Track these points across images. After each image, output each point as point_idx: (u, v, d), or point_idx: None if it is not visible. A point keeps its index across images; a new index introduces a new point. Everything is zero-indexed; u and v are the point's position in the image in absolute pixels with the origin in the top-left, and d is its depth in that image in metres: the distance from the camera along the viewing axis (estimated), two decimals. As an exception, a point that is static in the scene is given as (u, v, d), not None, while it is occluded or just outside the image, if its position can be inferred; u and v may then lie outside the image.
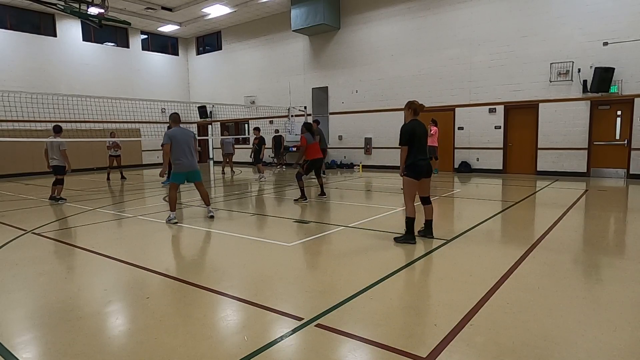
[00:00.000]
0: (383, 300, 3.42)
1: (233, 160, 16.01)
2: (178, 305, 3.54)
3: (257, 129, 13.95)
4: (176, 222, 6.75)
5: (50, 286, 4.00)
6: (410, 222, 5.23)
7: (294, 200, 8.70)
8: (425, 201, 5.48)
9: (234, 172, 15.77)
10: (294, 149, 18.14)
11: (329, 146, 13.80)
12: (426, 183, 5.38)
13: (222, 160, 16.19)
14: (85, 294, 3.81)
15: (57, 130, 9.17)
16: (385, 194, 9.94)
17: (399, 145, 5.24)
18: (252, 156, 13.88)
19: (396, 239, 5.33)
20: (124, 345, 2.80)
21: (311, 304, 3.37)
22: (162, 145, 6.78)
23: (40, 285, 4.05)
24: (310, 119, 17.08)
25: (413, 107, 5.26)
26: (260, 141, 13.75)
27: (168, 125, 7.77)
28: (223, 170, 15.72)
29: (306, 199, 8.65)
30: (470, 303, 3.27)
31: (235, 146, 21.83)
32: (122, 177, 14.43)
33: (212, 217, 7.06)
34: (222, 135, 17.77)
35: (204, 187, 7.17)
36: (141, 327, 3.05)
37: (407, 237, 5.25)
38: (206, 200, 7.15)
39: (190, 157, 6.83)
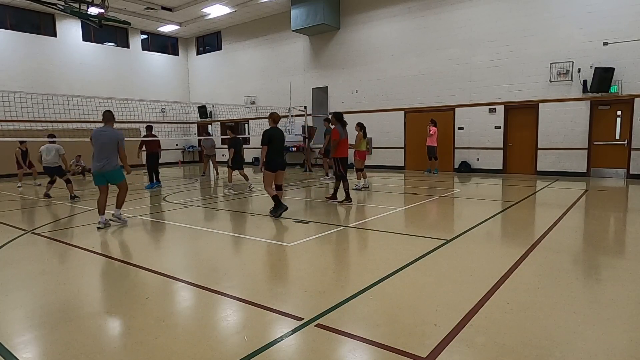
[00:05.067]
0: (383, 300, 3.42)
1: (218, 160, 15.50)
2: (178, 305, 3.54)
3: (230, 129, 11.40)
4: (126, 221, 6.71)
5: (50, 286, 4.00)
6: (275, 198, 6.95)
7: (339, 202, 8.17)
8: (279, 188, 7.25)
9: (218, 173, 15.11)
10: (294, 149, 18.14)
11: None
12: (280, 174, 7.17)
13: (203, 161, 15.44)
14: (85, 294, 3.80)
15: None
16: (385, 193, 9.93)
17: (261, 145, 6.94)
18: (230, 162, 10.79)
19: (275, 216, 6.88)
20: (124, 345, 2.80)
21: (311, 304, 3.37)
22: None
23: (40, 285, 4.05)
24: (310, 120, 17.09)
25: (273, 117, 7.10)
26: (234, 144, 10.62)
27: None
28: (204, 172, 15.31)
29: (350, 201, 8.20)
30: (470, 303, 3.27)
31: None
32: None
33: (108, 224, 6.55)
34: (202, 135, 17.08)
35: None
36: (141, 327, 3.05)
37: (279, 208, 6.88)
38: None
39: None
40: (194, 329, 2.99)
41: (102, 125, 6.59)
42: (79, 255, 5.10)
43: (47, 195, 10.03)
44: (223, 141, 20.01)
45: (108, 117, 6.58)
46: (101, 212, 6.54)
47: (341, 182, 8.33)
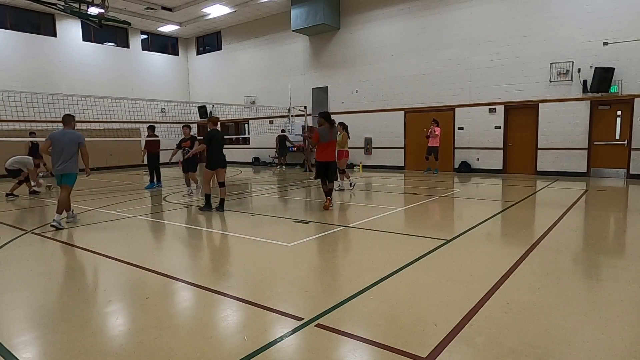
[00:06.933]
0: (383, 300, 3.42)
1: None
2: (178, 305, 3.54)
3: (187, 127, 10.69)
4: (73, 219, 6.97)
5: (50, 286, 4.00)
6: (207, 197, 7.68)
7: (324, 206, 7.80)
8: (221, 185, 7.78)
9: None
10: (294, 149, 18.13)
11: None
12: (221, 172, 7.71)
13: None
14: (85, 294, 3.81)
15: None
16: (385, 194, 9.94)
17: (203, 143, 7.79)
18: (183, 162, 10.29)
19: (200, 209, 7.68)
20: (124, 345, 2.80)
21: (311, 304, 3.37)
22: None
23: (40, 285, 4.05)
24: (310, 120, 17.09)
25: (213, 120, 7.84)
26: (192, 143, 9.98)
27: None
28: None
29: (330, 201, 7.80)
30: (470, 303, 3.27)
31: (235, 147, 21.89)
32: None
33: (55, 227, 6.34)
34: (201, 135, 16.96)
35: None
36: (141, 327, 3.05)
37: (207, 207, 7.64)
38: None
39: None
40: (194, 329, 2.99)
41: (62, 127, 6.74)
42: (79, 255, 5.10)
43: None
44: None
45: (68, 120, 6.77)
46: (69, 207, 6.89)
47: (332, 184, 7.96)
